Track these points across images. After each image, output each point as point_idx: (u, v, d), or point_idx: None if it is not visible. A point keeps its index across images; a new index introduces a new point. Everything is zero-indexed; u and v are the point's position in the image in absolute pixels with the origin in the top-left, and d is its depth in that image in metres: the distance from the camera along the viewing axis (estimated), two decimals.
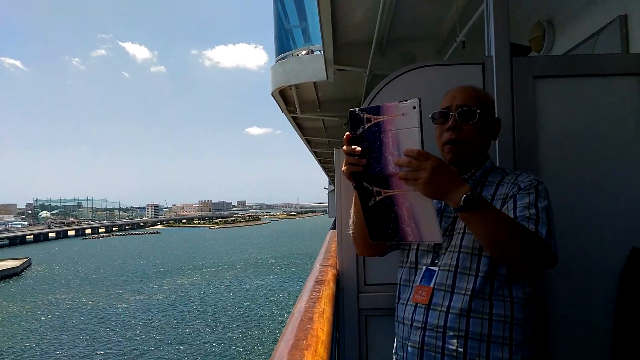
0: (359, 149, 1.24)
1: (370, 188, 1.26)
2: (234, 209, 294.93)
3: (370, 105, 1.24)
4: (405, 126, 1.19)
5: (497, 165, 2.00)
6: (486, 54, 2.09)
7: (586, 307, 2.02)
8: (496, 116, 1.71)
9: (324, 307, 1.26)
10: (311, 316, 1.13)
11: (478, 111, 1.52)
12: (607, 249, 2.01)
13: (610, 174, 2.03)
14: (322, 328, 1.03)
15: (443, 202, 1.51)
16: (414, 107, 1.17)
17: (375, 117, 1.22)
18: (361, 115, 1.23)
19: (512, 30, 4.19)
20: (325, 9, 3.85)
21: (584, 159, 2.03)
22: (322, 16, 3.98)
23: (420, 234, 1.26)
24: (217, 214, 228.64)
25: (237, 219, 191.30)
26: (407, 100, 1.18)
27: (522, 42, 3.82)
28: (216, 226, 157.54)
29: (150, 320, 26.02)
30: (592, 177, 2.03)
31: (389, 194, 1.24)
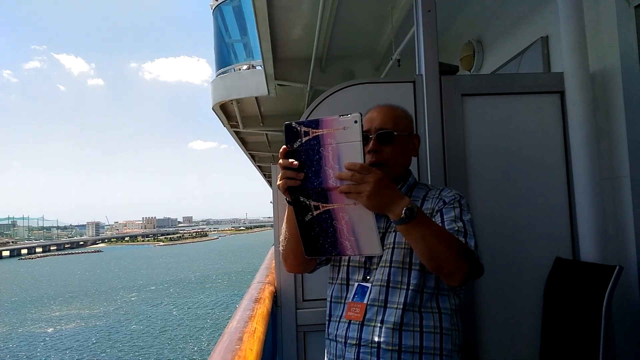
0: (296, 162, 1.22)
1: (307, 202, 1.23)
2: (180, 225, 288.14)
3: (307, 119, 1.21)
4: (347, 140, 1.17)
5: (422, 178, 2.08)
6: (417, 73, 2.17)
7: (515, 314, 2.11)
8: (417, 131, 1.76)
9: (256, 326, 1.25)
10: (241, 336, 1.11)
11: (395, 133, 1.56)
12: (533, 259, 2.12)
13: (533, 187, 2.14)
14: (251, 348, 1.02)
15: None
16: (356, 122, 1.16)
17: (314, 130, 1.19)
18: (298, 128, 1.21)
19: (445, 49, 4.38)
20: (264, 24, 3.87)
21: (509, 172, 2.14)
22: (261, 31, 3.99)
23: (360, 247, 1.24)
24: (162, 231, 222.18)
25: (183, 235, 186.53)
26: (347, 115, 1.17)
27: (454, 60, 3.98)
28: (161, 243, 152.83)
29: (84, 342, 24.72)
30: (517, 189, 2.14)
31: (328, 208, 1.22)
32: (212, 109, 8.24)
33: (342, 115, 1.18)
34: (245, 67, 8.18)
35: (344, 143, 1.18)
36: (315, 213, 1.24)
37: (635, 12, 1.93)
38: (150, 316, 30.84)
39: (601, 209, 2.02)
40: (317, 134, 1.19)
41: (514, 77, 2.21)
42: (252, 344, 1.06)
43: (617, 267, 1.72)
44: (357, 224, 1.23)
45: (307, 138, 1.20)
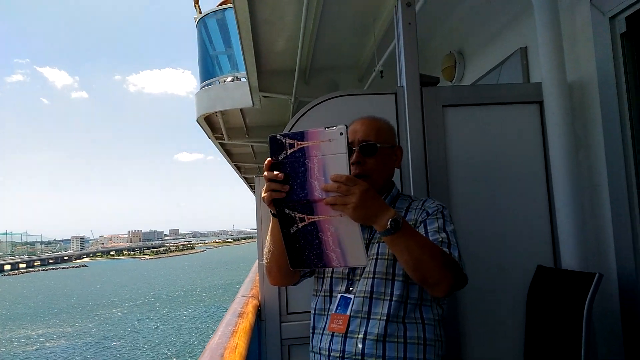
0: (281, 174, 1.21)
1: (293, 215, 1.23)
2: (166, 238, 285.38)
3: (293, 131, 1.22)
4: (332, 152, 1.18)
5: (405, 189, 2.10)
6: (398, 84, 2.19)
7: (498, 323, 2.12)
8: (399, 143, 1.77)
9: (238, 342, 1.23)
10: (222, 352, 1.10)
11: (378, 145, 1.57)
12: (515, 267, 2.13)
13: (514, 196, 2.16)
14: None
15: None
16: (341, 134, 1.17)
17: (299, 142, 1.20)
18: (283, 140, 1.21)
19: (427, 60, 4.42)
20: (247, 37, 3.88)
21: (491, 182, 2.16)
22: (244, 44, 4.00)
23: (346, 258, 1.25)
24: (147, 244, 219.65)
25: (169, 248, 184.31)
26: (333, 127, 1.18)
27: (436, 71, 4.03)
28: (147, 257, 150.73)
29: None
30: (498, 199, 2.16)
31: (313, 220, 1.22)
32: (197, 121, 8.22)
33: (328, 128, 1.18)
34: (229, 79, 8.18)
35: (330, 155, 1.18)
36: (300, 225, 1.24)
37: (610, 23, 1.97)
38: (135, 331, 30.37)
39: (581, 218, 2.04)
40: (302, 146, 1.20)
41: (494, 88, 2.24)
42: None
43: (597, 274, 1.74)
44: (343, 236, 1.23)
45: (292, 150, 1.21)
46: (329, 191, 1.19)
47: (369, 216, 1.24)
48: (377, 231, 1.29)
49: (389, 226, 1.25)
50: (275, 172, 1.22)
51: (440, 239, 1.45)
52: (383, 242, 1.51)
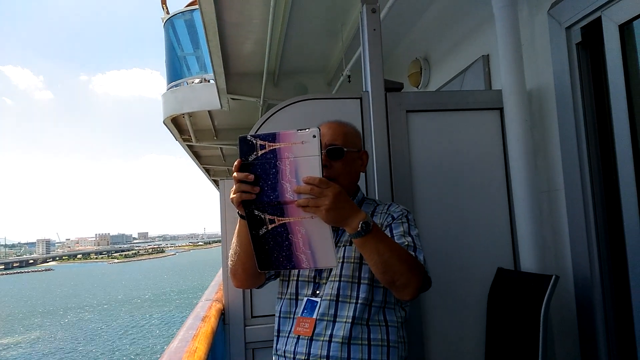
0: (252, 176, 1.21)
1: (262, 216, 1.23)
2: (135, 241, 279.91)
3: (263, 132, 1.21)
4: (305, 154, 1.18)
5: (370, 193, 2.12)
6: (364, 89, 2.22)
7: (459, 325, 2.16)
8: (364, 147, 1.79)
9: (197, 346, 1.23)
10: (180, 356, 1.09)
11: (345, 149, 1.59)
12: (477, 270, 2.18)
13: (476, 200, 2.22)
14: None
15: None
16: (314, 136, 1.17)
17: (271, 144, 1.19)
18: (254, 141, 1.21)
19: (394, 66, 4.48)
20: (214, 39, 3.86)
21: (453, 187, 2.21)
22: (211, 46, 3.97)
23: (315, 260, 1.25)
24: (116, 248, 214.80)
25: (139, 252, 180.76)
26: (305, 129, 1.18)
27: (403, 77, 4.08)
28: (116, 260, 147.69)
29: None
30: (460, 203, 2.20)
31: (284, 221, 1.23)
32: (164, 122, 8.09)
33: (300, 130, 1.19)
34: (197, 80, 8.08)
35: (302, 157, 1.19)
36: (270, 227, 1.24)
37: (566, 32, 2.04)
38: (101, 336, 29.66)
39: (539, 221, 2.11)
40: (273, 147, 1.20)
41: (456, 94, 2.29)
42: None
43: (554, 276, 1.80)
44: (314, 237, 1.24)
45: (263, 151, 1.20)
46: (301, 193, 1.19)
47: (341, 218, 1.26)
48: (348, 233, 1.31)
49: (359, 228, 1.27)
50: (245, 173, 1.21)
51: (406, 243, 1.47)
52: (350, 245, 1.53)
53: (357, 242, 1.32)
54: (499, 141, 2.26)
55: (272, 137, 1.20)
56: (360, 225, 1.27)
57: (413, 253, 1.44)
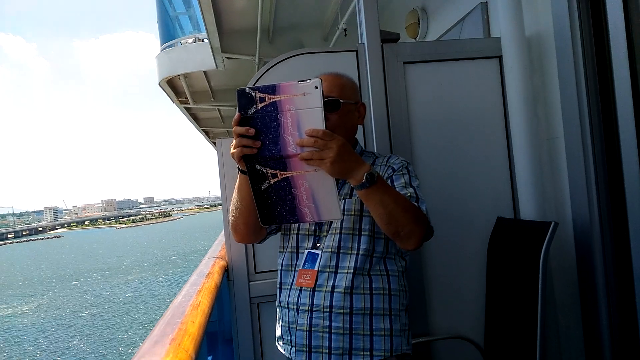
0: (252, 130, 1.18)
1: (264, 171, 1.21)
2: (141, 206, 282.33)
3: (263, 85, 1.17)
4: (307, 106, 1.15)
5: (368, 146, 2.12)
6: (359, 42, 2.17)
7: (460, 273, 2.20)
8: (362, 100, 1.77)
9: (201, 300, 1.25)
10: (184, 310, 1.11)
11: (341, 101, 1.56)
12: (477, 220, 2.20)
13: (475, 150, 2.21)
14: (193, 321, 1.02)
15: None
16: (316, 87, 1.14)
17: (271, 96, 1.16)
18: (253, 94, 1.17)
19: (391, 17, 4.38)
20: None
21: (452, 137, 2.20)
22: (202, 2, 3.87)
23: (319, 213, 1.24)
24: (123, 213, 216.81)
25: (145, 216, 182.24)
26: (307, 80, 1.15)
27: (400, 29, 4.00)
28: (124, 225, 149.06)
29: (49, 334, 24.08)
30: (459, 153, 2.20)
31: (286, 175, 1.21)
32: (159, 84, 8.01)
33: (301, 81, 1.15)
34: (191, 40, 7.94)
35: (304, 109, 1.16)
36: (272, 181, 1.22)
37: None
38: (111, 300, 30.34)
39: (539, 169, 2.10)
40: (274, 99, 1.16)
41: (454, 44, 2.25)
42: (195, 317, 1.06)
43: (553, 223, 1.80)
44: (317, 191, 1.22)
45: (263, 104, 1.17)
46: (304, 146, 1.17)
47: (345, 170, 1.25)
48: (352, 185, 1.30)
49: (364, 180, 1.26)
50: (246, 127, 1.19)
51: (409, 194, 1.47)
52: (349, 198, 1.53)
53: (362, 194, 1.31)
54: (498, 90, 2.23)
55: (272, 89, 1.16)
56: (365, 177, 1.26)
57: (416, 204, 1.44)
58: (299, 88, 1.15)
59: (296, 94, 1.15)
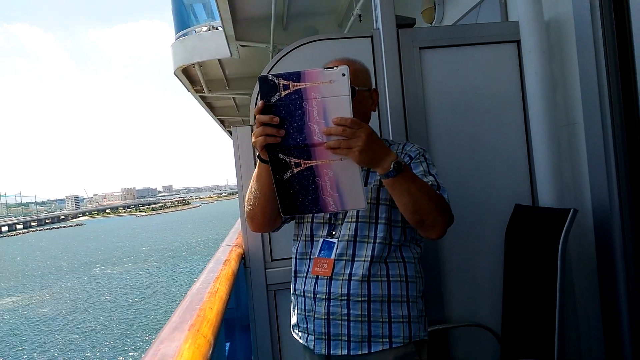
0: (277, 118, 1.16)
1: (288, 160, 1.19)
2: (160, 194, 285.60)
3: (286, 72, 1.14)
4: (334, 94, 1.13)
5: (383, 133, 2.10)
6: (374, 27, 2.15)
7: (477, 261, 2.18)
8: (374, 87, 1.75)
9: (219, 287, 1.26)
10: (202, 297, 1.12)
11: (356, 88, 1.55)
12: (494, 207, 2.17)
13: (492, 137, 2.18)
14: (211, 307, 1.03)
15: None
16: (344, 75, 1.12)
17: (295, 83, 1.13)
18: (276, 81, 1.14)
19: (405, 2, 4.32)
20: None
21: (469, 123, 2.17)
22: None
23: (343, 202, 1.23)
24: (142, 201, 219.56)
25: (165, 204, 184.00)
26: (334, 67, 1.13)
27: (416, 14, 3.94)
28: (144, 213, 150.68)
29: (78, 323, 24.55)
30: (477, 139, 2.17)
31: (310, 164, 1.19)
32: (174, 73, 8.03)
33: (328, 68, 1.14)
34: (205, 28, 7.93)
35: (331, 97, 1.14)
36: (295, 170, 1.20)
37: None
38: (133, 286, 30.84)
39: (557, 156, 2.07)
40: (298, 87, 1.14)
41: (470, 28, 2.21)
42: (213, 304, 1.07)
43: (572, 210, 1.78)
44: (342, 180, 1.21)
45: (287, 92, 1.15)
46: (331, 135, 1.16)
47: (373, 159, 1.24)
48: (379, 174, 1.29)
49: (392, 168, 1.25)
50: (270, 116, 1.17)
51: (430, 182, 1.46)
52: (365, 186, 1.53)
53: (388, 183, 1.30)
54: (516, 75, 2.19)
55: (296, 77, 1.14)
56: (392, 165, 1.25)
57: (437, 192, 1.43)
58: (325, 75, 1.13)
59: (322, 82, 1.13)
